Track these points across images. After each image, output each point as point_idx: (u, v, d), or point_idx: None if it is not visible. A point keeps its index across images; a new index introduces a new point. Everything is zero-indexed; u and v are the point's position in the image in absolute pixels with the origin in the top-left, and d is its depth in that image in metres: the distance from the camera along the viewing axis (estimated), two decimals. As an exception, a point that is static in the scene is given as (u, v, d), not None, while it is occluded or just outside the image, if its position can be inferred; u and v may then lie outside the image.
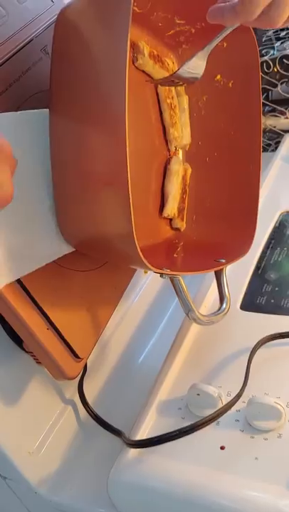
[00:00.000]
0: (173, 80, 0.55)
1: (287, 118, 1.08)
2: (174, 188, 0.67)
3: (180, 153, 0.70)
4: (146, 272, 0.75)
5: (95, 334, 0.60)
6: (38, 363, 0.58)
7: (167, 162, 0.68)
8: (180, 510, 0.52)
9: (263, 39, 1.10)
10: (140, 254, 0.48)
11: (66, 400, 0.65)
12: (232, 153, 0.68)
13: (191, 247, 0.66)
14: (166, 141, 0.68)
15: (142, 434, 0.56)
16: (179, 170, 0.68)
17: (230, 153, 0.68)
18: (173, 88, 0.65)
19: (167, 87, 0.64)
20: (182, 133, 0.67)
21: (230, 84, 0.65)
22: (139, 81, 0.62)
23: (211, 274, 0.64)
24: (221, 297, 0.62)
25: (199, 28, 0.61)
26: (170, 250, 0.64)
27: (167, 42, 0.64)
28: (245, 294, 0.71)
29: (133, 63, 0.61)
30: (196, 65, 0.53)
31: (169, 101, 0.64)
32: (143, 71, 0.62)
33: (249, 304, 0.69)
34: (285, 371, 0.59)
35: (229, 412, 0.56)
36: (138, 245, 0.47)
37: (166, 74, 0.63)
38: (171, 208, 0.67)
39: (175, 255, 0.64)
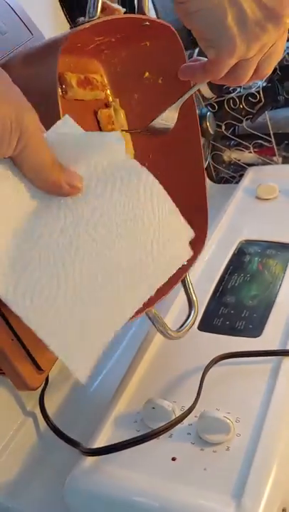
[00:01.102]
0: (144, 131, 0.59)
1: (250, 152, 1.15)
2: None
3: None
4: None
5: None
6: (1, 373, 0.60)
7: None
8: (132, 517, 0.55)
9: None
10: None
11: (27, 411, 0.67)
12: (175, 156, 0.69)
13: None
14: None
15: (99, 444, 0.59)
16: None
17: (173, 157, 0.70)
18: (113, 113, 0.68)
19: (107, 114, 0.66)
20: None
21: (159, 81, 0.66)
22: (77, 110, 0.63)
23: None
24: (190, 302, 0.65)
25: (119, 37, 0.62)
26: None
27: (89, 52, 0.64)
28: (203, 315, 0.75)
29: (64, 96, 0.61)
30: (168, 117, 0.57)
31: (110, 127, 0.67)
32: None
33: (206, 325, 0.73)
34: (235, 388, 0.63)
35: (181, 426, 0.59)
36: None
37: (98, 93, 0.64)
38: None
39: None
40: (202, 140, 1.01)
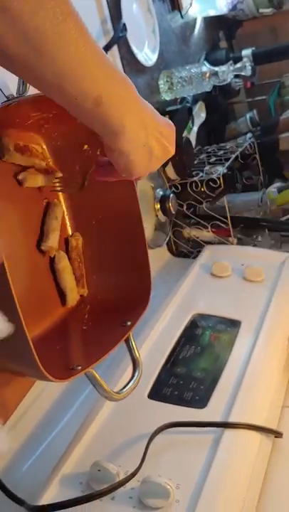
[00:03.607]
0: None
1: (208, 231, 1.23)
2: (68, 282, 0.72)
3: (72, 240, 0.75)
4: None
5: (13, 404, 0.65)
6: None
7: (52, 261, 0.72)
8: None
9: (196, 162, 1.27)
10: (52, 378, 0.53)
11: (-25, 467, 0.68)
12: (114, 213, 0.74)
13: (98, 309, 0.72)
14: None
15: (44, 502, 0.61)
16: (66, 265, 0.72)
17: (111, 212, 0.74)
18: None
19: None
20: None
21: (98, 152, 0.69)
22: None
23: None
24: (134, 362, 0.67)
25: (55, 113, 0.66)
26: (79, 323, 0.70)
27: (29, 127, 0.67)
28: (154, 384, 0.79)
29: (0, 159, 0.63)
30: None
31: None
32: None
33: (156, 394, 0.77)
34: (178, 456, 0.67)
35: (124, 489, 0.62)
36: (45, 371, 0.52)
37: (37, 162, 0.68)
38: (72, 299, 0.72)
39: (84, 327, 0.70)
40: (164, 218, 1.09)
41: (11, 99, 0.57)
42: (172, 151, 0.58)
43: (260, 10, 1.65)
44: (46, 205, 0.71)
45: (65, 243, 0.74)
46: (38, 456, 0.74)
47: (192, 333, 0.91)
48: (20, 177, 0.66)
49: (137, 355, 0.67)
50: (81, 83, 0.46)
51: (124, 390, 0.62)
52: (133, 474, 0.62)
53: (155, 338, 0.89)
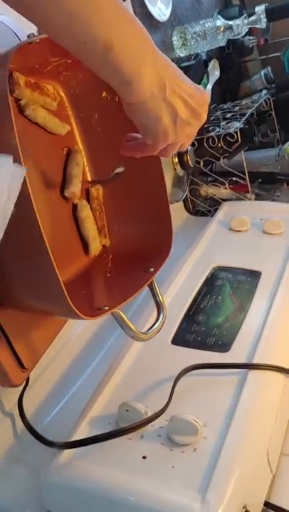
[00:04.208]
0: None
1: (226, 188, 1.23)
2: (91, 231, 0.72)
3: (92, 191, 0.74)
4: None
5: (42, 348, 0.67)
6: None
7: (74, 209, 0.72)
8: (104, 509, 0.58)
9: (212, 118, 1.26)
10: (80, 315, 0.54)
11: (6, 411, 0.70)
12: (134, 163, 0.70)
13: (120, 258, 0.73)
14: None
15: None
16: (88, 214, 0.72)
17: (132, 164, 0.70)
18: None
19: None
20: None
21: (116, 99, 0.67)
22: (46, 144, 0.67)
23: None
24: (158, 306, 0.68)
25: (74, 59, 0.63)
26: (102, 271, 0.71)
27: (47, 74, 0.66)
28: (177, 331, 0.80)
29: (11, 94, 0.61)
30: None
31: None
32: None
33: (179, 340, 0.78)
34: (204, 397, 0.68)
35: (152, 428, 0.63)
36: (73, 307, 0.53)
37: (48, 101, 0.66)
38: (95, 248, 0.72)
39: (108, 274, 0.71)
40: (182, 172, 1.09)
41: (31, 38, 0.57)
42: (204, 116, 0.54)
43: None
44: (67, 152, 0.71)
45: (86, 194, 0.74)
46: (67, 401, 0.76)
47: (213, 284, 0.92)
48: (22, 102, 0.63)
49: (161, 299, 0.68)
50: (90, 25, 0.44)
51: (151, 330, 0.63)
52: (162, 411, 0.63)
53: (176, 289, 0.90)
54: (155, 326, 0.64)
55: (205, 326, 0.81)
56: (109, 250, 0.75)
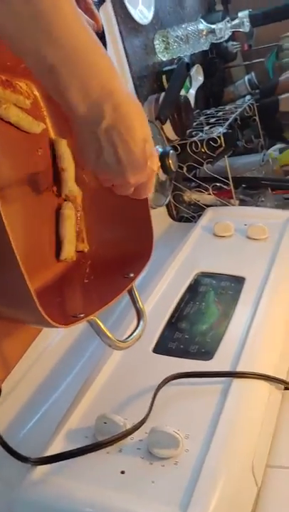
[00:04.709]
0: None
1: (210, 194, 1.21)
2: (69, 232, 0.69)
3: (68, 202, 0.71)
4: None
5: (14, 358, 0.64)
6: None
7: (58, 206, 0.69)
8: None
9: (195, 124, 1.24)
10: (52, 323, 0.50)
11: (-23, 425, 0.67)
12: None
13: (99, 264, 0.70)
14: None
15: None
16: (70, 214, 0.69)
17: None
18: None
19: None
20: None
21: None
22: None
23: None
24: (138, 313, 0.65)
25: None
26: (80, 277, 0.68)
27: (20, 72, 0.63)
28: (158, 339, 0.77)
29: None
30: None
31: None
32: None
33: (161, 348, 0.75)
34: (186, 407, 0.65)
35: (132, 441, 0.60)
36: (44, 315, 0.49)
37: (21, 99, 0.63)
38: (68, 252, 0.69)
39: (86, 280, 0.68)
40: (164, 177, 1.06)
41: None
42: (130, 180, 0.51)
43: None
44: (51, 145, 0.68)
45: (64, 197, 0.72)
46: (43, 414, 0.73)
47: (196, 291, 0.89)
48: None
49: (141, 306, 0.65)
50: (37, 42, 0.43)
51: (129, 338, 0.60)
52: (141, 423, 0.60)
53: (158, 296, 0.87)
54: (134, 333, 0.61)
55: (188, 334, 0.78)
56: (88, 256, 0.72)
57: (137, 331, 0.62)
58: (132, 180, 0.52)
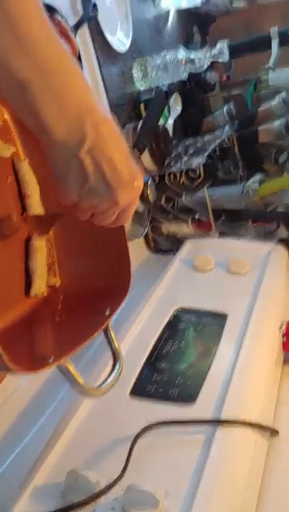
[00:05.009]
0: None
1: (188, 227, 1.17)
2: (39, 265, 0.62)
3: None
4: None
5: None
6: None
7: (28, 237, 0.63)
8: None
9: (173, 154, 1.21)
10: (14, 369, 0.44)
11: None
12: None
13: (72, 299, 0.64)
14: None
15: (12, 519, 0.52)
16: (42, 246, 0.63)
17: None
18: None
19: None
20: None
21: None
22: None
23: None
24: (114, 354, 0.59)
25: None
26: (51, 315, 0.63)
27: None
28: (136, 381, 0.71)
29: None
30: None
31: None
32: None
33: (138, 391, 0.69)
34: (166, 459, 0.59)
35: (106, 500, 0.54)
36: (7, 360, 0.44)
37: None
38: (39, 287, 0.62)
39: (57, 318, 0.62)
40: (141, 208, 1.02)
41: None
42: (119, 200, 0.46)
43: (234, 4, 1.61)
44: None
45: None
46: (8, 466, 0.66)
47: (176, 328, 0.84)
48: None
49: (117, 346, 0.59)
50: (9, 56, 0.38)
51: (104, 384, 0.55)
52: (115, 482, 0.54)
53: (136, 333, 0.82)
54: (110, 378, 0.55)
55: (167, 375, 0.72)
56: (60, 291, 0.66)
57: (113, 375, 0.56)
58: (122, 202, 0.47)
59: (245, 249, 1.07)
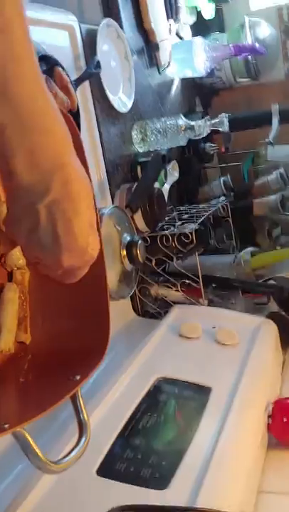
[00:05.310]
0: None
1: (177, 291, 1.12)
2: (9, 319, 0.58)
3: (17, 274, 0.61)
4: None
5: None
6: None
7: (0, 287, 0.59)
8: None
9: (167, 218, 1.19)
10: None
11: None
12: None
13: (41, 359, 0.58)
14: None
15: None
16: (14, 298, 0.59)
17: None
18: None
19: None
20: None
21: None
22: None
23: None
24: (80, 425, 0.53)
25: None
26: (15, 375, 0.57)
27: None
28: (105, 457, 0.65)
29: None
30: None
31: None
32: None
33: (107, 470, 0.63)
34: None
35: None
36: None
37: None
38: (6, 342, 0.57)
39: (21, 379, 0.56)
40: (130, 267, 0.98)
41: None
42: (62, 263, 0.44)
43: (238, 79, 1.65)
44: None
45: (9, 277, 0.61)
46: None
47: (155, 400, 0.78)
48: None
49: (85, 416, 0.53)
50: None
51: (66, 459, 0.48)
52: None
53: (110, 403, 0.76)
54: (73, 453, 0.49)
55: (141, 453, 0.66)
56: (29, 349, 0.60)
57: (76, 449, 0.50)
58: (66, 264, 0.44)
59: (234, 320, 1.02)
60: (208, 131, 1.20)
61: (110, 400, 0.76)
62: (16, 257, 0.59)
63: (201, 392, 0.80)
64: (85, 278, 0.61)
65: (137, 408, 0.75)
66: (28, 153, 0.39)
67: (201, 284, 1.08)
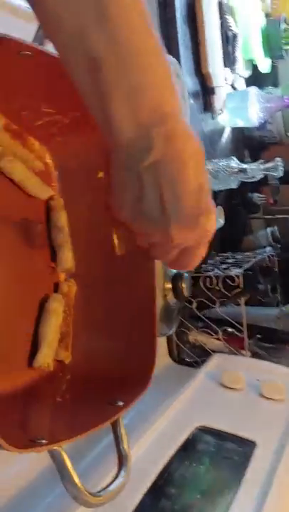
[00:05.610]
0: None
1: (218, 339, 1.05)
2: (50, 333, 0.53)
3: (63, 286, 0.57)
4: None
5: None
6: None
7: (45, 297, 0.55)
8: None
9: (210, 261, 1.14)
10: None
11: None
12: (123, 268, 0.55)
13: (81, 380, 0.51)
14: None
15: None
16: (58, 309, 0.55)
17: (120, 268, 0.56)
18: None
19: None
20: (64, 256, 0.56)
21: None
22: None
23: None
24: (120, 458, 0.46)
25: (73, 116, 0.51)
26: (52, 393, 0.50)
27: (36, 132, 0.53)
28: (138, 507, 0.56)
29: None
30: None
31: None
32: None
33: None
34: None
35: None
36: None
37: (29, 157, 0.52)
38: (44, 358, 0.52)
39: (59, 399, 0.49)
40: (173, 302, 0.92)
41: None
42: (174, 234, 0.37)
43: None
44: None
45: (54, 288, 0.57)
46: None
47: (193, 449, 0.70)
48: None
49: (126, 447, 0.46)
50: (83, 31, 0.32)
51: (105, 491, 0.41)
52: None
53: (145, 447, 0.68)
54: (112, 485, 0.42)
55: (176, 504, 0.58)
56: (69, 368, 0.54)
57: (117, 482, 0.43)
58: (176, 238, 0.38)
59: (280, 375, 0.94)
60: (262, 176, 1.16)
61: (145, 443, 0.68)
62: (68, 259, 0.54)
63: (245, 445, 0.72)
64: (132, 301, 0.56)
65: (174, 456, 0.67)
66: (127, 93, 0.33)
67: (246, 333, 1.01)
